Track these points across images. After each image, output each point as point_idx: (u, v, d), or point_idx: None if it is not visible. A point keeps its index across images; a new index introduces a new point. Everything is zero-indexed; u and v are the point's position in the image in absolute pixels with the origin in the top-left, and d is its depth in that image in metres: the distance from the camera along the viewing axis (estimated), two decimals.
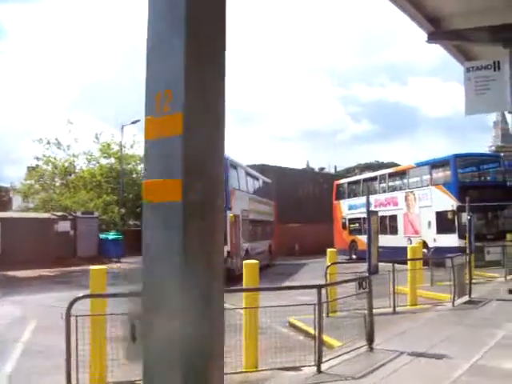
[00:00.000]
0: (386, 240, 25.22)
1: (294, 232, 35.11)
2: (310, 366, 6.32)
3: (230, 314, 5.90)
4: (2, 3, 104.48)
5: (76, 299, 5.56)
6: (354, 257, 28.53)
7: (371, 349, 7.15)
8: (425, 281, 14.41)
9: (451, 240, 20.01)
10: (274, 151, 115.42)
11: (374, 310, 10.12)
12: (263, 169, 38.34)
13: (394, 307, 10.33)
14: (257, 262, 6.46)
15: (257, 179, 26.23)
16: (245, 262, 6.48)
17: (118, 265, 27.83)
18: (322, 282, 8.62)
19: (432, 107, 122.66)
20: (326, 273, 9.98)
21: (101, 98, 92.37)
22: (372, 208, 26.28)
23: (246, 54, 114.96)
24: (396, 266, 11.18)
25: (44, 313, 12.17)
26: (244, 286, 6.38)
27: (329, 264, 10.34)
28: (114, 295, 5.47)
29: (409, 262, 11.74)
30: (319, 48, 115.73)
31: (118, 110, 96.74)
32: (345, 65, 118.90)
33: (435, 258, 14.66)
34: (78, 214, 30.45)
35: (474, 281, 12.17)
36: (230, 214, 17.90)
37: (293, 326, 9.41)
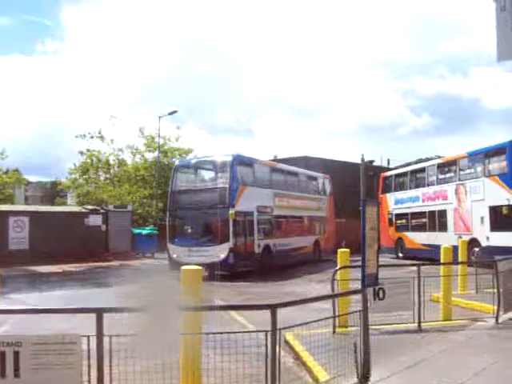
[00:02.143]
0: (433, 237, 23.10)
1: (341, 227, 33.42)
2: None
3: None
4: (65, 4, 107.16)
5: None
6: (400, 255, 26.37)
7: None
8: (470, 286, 12.26)
9: (507, 239, 17.56)
10: (331, 145, 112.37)
11: (396, 326, 8.28)
12: (306, 160, 36.66)
13: (419, 323, 8.31)
14: (198, 268, 4.71)
15: (294, 175, 25.25)
16: (183, 267, 4.75)
17: (150, 261, 26.96)
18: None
19: (495, 99, 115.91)
20: (332, 279, 8.10)
21: (161, 94, 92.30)
22: (420, 203, 25.00)
23: (307, 50, 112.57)
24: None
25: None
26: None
27: (337, 268, 8.40)
28: None
29: (442, 267, 9.56)
30: (376, 41, 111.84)
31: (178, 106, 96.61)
32: (403, 57, 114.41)
33: (481, 261, 12.24)
34: (111, 207, 29.52)
35: None
36: (230, 212, 17.79)
37: (288, 345, 7.61)
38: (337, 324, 7.80)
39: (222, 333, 4.31)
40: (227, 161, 19.35)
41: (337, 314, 7.25)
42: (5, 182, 38.56)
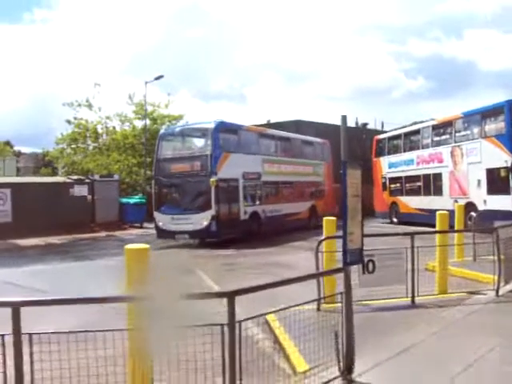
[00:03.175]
0: (428, 201, 22.36)
1: (338, 193, 32.66)
2: None
3: None
4: None
5: None
6: (395, 220, 25.71)
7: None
8: (467, 253, 11.57)
9: (505, 202, 16.88)
10: (324, 110, 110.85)
11: (388, 301, 7.56)
12: (298, 124, 35.77)
13: (413, 297, 7.58)
14: (144, 247, 3.89)
15: (286, 140, 24.74)
16: (126, 246, 3.93)
17: (138, 231, 26.24)
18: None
19: (490, 61, 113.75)
20: (316, 251, 7.32)
21: (153, 62, 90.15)
22: (414, 166, 24.19)
23: (299, 13, 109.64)
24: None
25: None
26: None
27: (322, 238, 7.62)
28: None
29: (437, 235, 8.78)
30: (370, 3, 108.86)
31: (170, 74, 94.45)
32: (397, 20, 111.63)
33: (479, 228, 11.49)
34: (96, 177, 28.61)
35: None
36: (211, 179, 17.72)
37: (268, 325, 6.89)
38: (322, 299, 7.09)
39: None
40: (209, 128, 19.03)
41: (321, 294, 6.51)
42: None
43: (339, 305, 4.86)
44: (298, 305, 4.55)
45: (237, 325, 3.43)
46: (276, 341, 6.10)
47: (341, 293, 4.59)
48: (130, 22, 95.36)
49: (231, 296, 3.38)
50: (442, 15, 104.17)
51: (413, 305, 7.51)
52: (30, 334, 3.40)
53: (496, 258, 7.96)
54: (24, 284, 11.15)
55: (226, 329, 3.47)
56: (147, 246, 3.93)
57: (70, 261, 15.77)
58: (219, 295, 3.43)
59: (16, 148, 74.12)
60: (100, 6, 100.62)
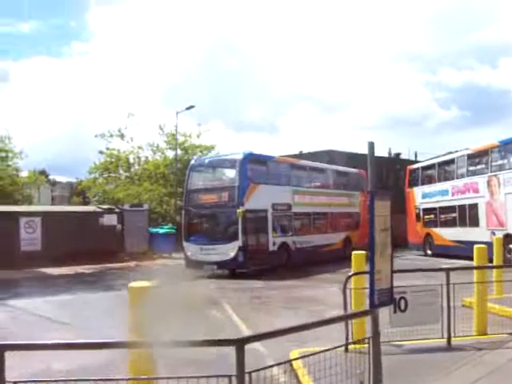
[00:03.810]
0: (464, 233, 21.52)
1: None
2: None
3: None
4: (90, 7, 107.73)
5: None
6: (429, 252, 24.90)
7: None
8: (507, 289, 10.87)
9: None
10: (357, 140, 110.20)
11: (422, 341, 7.04)
12: (330, 154, 35.43)
13: (449, 338, 7.02)
14: (145, 285, 3.57)
15: (319, 171, 24.77)
16: (130, 284, 3.62)
17: (166, 261, 26.02)
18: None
19: None
20: (344, 287, 6.88)
21: (185, 94, 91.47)
22: (449, 196, 23.48)
23: (333, 44, 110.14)
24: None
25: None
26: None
27: (350, 274, 7.17)
28: None
29: (475, 271, 8.20)
30: (403, 33, 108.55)
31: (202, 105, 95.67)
32: (431, 50, 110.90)
33: None
34: (126, 206, 28.67)
35: None
36: (238, 210, 17.80)
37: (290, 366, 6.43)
38: (350, 338, 6.62)
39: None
40: (238, 159, 19.19)
41: (349, 335, 6.06)
42: (22, 183, 38.03)
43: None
44: (323, 351, 4.12)
45: (246, 376, 3.05)
46: None
47: (367, 338, 4.14)
48: (164, 53, 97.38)
49: (240, 344, 3.01)
50: (475, 44, 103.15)
51: (449, 347, 6.94)
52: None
53: None
54: (48, 315, 11.02)
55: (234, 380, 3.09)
56: (151, 284, 3.60)
57: (98, 291, 15.61)
58: (227, 343, 3.05)
59: (52, 177, 75.68)
60: (135, 37, 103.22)
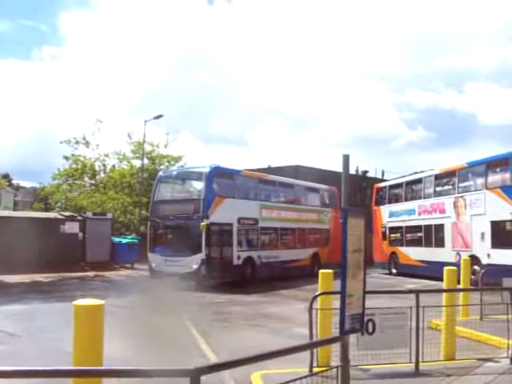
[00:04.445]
0: (429, 253, 21.59)
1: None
2: None
3: None
4: (63, 11, 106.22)
5: None
6: (393, 271, 24.90)
7: None
8: (473, 311, 10.77)
9: (511, 256, 16.13)
10: (325, 156, 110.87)
11: (389, 367, 6.78)
12: (297, 169, 35.47)
13: (417, 363, 6.79)
14: (99, 303, 3.20)
15: (288, 186, 24.59)
16: (74, 302, 3.24)
17: (128, 271, 25.33)
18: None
19: (491, 114, 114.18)
20: (310, 307, 6.58)
21: (155, 104, 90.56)
22: (415, 216, 23.55)
23: (303, 61, 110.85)
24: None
25: None
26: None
27: (317, 294, 6.87)
28: None
29: (444, 294, 8.00)
30: (373, 54, 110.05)
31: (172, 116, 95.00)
32: (400, 71, 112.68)
33: (493, 287, 10.72)
34: (89, 214, 27.91)
35: None
36: (202, 223, 17.77)
37: None
38: (315, 360, 6.32)
39: None
40: (204, 172, 19.24)
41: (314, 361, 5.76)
42: None
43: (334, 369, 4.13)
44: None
45: None
46: None
47: (336, 367, 3.83)
48: (136, 62, 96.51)
49: (196, 375, 2.67)
50: (443, 68, 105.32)
51: (417, 372, 6.70)
52: None
53: (508, 318, 7.21)
54: None
55: None
56: (102, 302, 3.23)
57: (53, 301, 14.93)
58: (182, 373, 2.71)
59: (16, 181, 73.80)
60: (107, 46, 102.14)
